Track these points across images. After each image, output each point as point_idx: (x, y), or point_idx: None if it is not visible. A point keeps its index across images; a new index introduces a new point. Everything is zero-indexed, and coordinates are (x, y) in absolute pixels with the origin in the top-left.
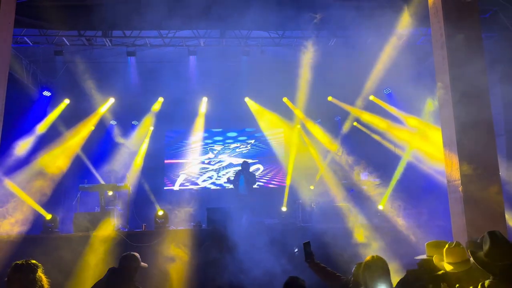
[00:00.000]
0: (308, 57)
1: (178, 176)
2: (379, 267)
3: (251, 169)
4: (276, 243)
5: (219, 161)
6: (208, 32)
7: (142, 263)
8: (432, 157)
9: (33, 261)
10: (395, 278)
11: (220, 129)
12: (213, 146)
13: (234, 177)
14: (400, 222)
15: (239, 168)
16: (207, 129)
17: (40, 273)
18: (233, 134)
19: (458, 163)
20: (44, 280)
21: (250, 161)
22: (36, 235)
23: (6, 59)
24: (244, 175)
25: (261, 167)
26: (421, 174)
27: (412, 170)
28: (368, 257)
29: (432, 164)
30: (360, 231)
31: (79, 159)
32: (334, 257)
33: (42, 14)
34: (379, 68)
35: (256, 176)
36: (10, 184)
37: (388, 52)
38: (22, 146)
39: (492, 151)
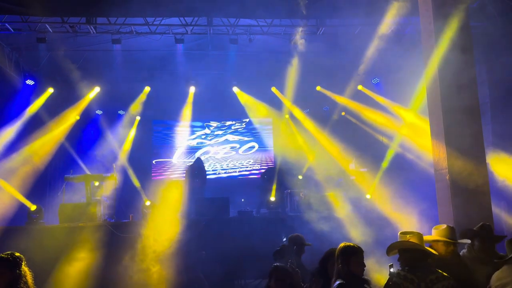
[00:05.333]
0: (296, 46)
1: (167, 168)
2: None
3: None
4: (265, 232)
5: (216, 136)
6: (195, 19)
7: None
8: (419, 146)
9: (17, 254)
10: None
11: (207, 118)
12: (209, 123)
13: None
14: (388, 210)
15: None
16: (194, 118)
17: (24, 267)
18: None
19: (445, 152)
20: (28, 274)
21: (245, 139)
22: (21, 226)
23: None
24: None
25: (256, 145)
26: (408, 163)
27: (399, 159)
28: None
29: (419, 153)
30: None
31: (64, 149)
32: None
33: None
34: (367, 58)
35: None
36: None
37: (376, 42)
38: (5, 136)
39: (479, 140)
